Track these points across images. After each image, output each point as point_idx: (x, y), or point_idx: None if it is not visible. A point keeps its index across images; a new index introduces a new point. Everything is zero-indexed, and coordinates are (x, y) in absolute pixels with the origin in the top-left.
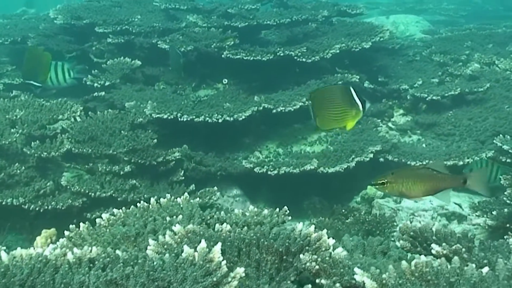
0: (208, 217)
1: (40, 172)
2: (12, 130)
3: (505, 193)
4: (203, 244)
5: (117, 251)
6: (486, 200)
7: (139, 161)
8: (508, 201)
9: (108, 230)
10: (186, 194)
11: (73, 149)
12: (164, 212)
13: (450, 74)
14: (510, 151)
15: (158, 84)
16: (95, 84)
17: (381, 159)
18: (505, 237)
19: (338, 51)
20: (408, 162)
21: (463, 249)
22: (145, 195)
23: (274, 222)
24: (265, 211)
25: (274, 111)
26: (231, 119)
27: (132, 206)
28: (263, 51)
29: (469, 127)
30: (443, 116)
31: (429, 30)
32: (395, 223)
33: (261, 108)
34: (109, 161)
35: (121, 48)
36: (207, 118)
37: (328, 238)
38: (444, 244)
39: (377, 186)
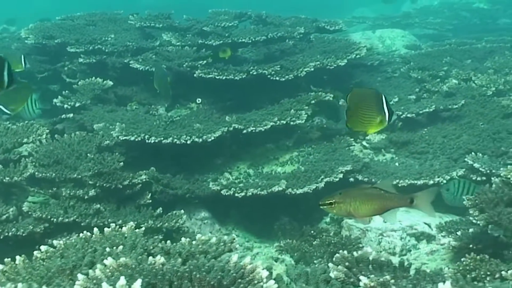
0: (151, 247)
1: (4, 197)
2: None
3: (470, 212)
4: (122, 281)
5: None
6: (453, 220)
7: (105, 184)
8: (474, 221)
9: (44, 263)
10: (131, 223)
11: (36, 173)
12: (106, 243)
13: (428, 91)
14: (480, 169)
15: (130, 105)
16: (65, 106)
17: (351, 179)
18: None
19: (312, 69)
20: (379, 182)
21: (392, 281)
22: (110, 220)
23: (220, 251)
24: (213, 239)
25: (245, 131)
26: (200, 140)
27: (74, 237)
28: (236, 70)
29: (443, 144)
30: (417, 134)
31: (412, 45)
32: (360, 245)
33: (231, 128)
34: (74, 185)
35: (93, 68)
36: (175, 140)
37: (263, 269)
38: (372, 276)
39: (325, 207)
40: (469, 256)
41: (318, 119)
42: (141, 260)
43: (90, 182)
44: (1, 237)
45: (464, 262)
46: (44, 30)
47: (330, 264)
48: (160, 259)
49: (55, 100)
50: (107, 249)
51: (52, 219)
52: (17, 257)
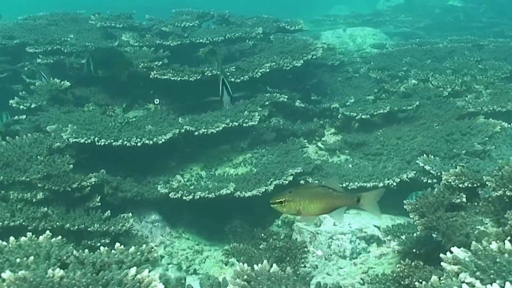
0: (65, 257)
1: None
2: None
3: (411, 216)
4: None
5: None
6: (401, 223)
7: (53, 187)
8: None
9: None
10: (47, 232)
11: None
12: (20, 253)
13: (386, 91)
14: (431, 171)
15: (87, 105)
16: (21, 107)
17: (302, 181)
18: (397, 265)
19: (268, 70)
20: None
21: None
22: (58, 223)
23: (136, 260)
24: (131, 249)
25: (196, 133)
26: (151, 142)
27: None
28: (191, 71)
29: (397, 146)
30: (372, 135)
31: (379, 44)
32: (306, 249)
33: (183, 130)
34: (23, 188)
35: (52, 68)
36: (125, 142)
37: (160, 282)
38: None
39: (275, 205)
40: (404, 262)
41: (276, 119)
42: (41, 273)
43: (39, 184)
44: None
45: (399, 269)
46: (4, 30)
47: (228, 277)
48: (59, 272)
49: (11, 101)
50: (17, 260)
51: None
52: None
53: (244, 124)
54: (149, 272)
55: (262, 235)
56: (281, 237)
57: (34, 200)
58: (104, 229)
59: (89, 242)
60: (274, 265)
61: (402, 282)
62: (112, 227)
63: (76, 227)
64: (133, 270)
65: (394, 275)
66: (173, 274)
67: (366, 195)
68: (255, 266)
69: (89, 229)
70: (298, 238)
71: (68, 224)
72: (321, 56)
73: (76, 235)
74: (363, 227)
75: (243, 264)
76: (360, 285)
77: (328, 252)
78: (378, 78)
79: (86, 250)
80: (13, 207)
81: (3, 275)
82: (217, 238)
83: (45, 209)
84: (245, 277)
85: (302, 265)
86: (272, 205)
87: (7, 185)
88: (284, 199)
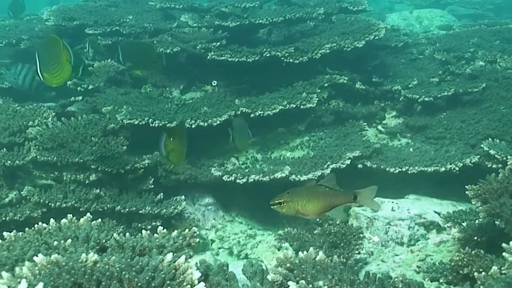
0: (104, 240)
1: (8, 181)
2: None
3: (473, 203)
4: (23, 285)
5: None
6: (461, 209)
7: (106, 169)
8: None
9: None
10: (88, 214)
11: (38, 157)
12: (58, 235)
13: (452, 73)
14: (496, 156)
15: (145, 87)
16: (78, 88)
17: (360, 166)
18: (456, 254)
19: (328, 51)
20: (388, 169)
21: (324, 287)
22: (109, 205)
23: (178, 245)
24: (174, 233)
25: (252, 115)
26: (205, 124)
27: (26, 229)
28: (249, 52)
29: (461, 129)
30: (435, 118)
31: (446, 26)
32: (361, 235)
33: (239, 112)
34: (77, 169)
35: (111, 49)
36: None
37: (197, 269)
38: (302, 281)
39: (275, 206)
40: (463, 250)
41: (335, 102)
42: (76, 257)
43: (93, 166)
44: None
45: (457, 257)
46: (65, 12)
47: (269, 266)
48: (92, 256)
49: (68, 82)
50: (55, 243)
51: (50, 204)
52: None
53: (302, 106)
54: (190, 258)
55: (317, 219)
56: (337, 222)
57: (87, 181)
58: (156, 212)
59: (139, 224)
60: (321, 252)
61: (460, 272)
62: (164, 210)
63: (127, 209)
64: (169, 256)
65: (452, 264)
66: (223, 258)
67: (362, 192)
68: (300, 253)
69: (140, 211)
70: (354, 224)
71: (119, 207)
72: (384, 37)
73: (128, 217)
74: (422, 213)
75: (287, 250)
76: (416, 273)
77: (384, 238)
78: (443, 59)
79: (127, 234)
80: (66, 188)
81: (35, 258)
82: (271, 222)
83: (98, 190)
84: (288, 265)
85: (357, 252)
86: (272, 206)
87: (61, 166)
88: (282, 200)
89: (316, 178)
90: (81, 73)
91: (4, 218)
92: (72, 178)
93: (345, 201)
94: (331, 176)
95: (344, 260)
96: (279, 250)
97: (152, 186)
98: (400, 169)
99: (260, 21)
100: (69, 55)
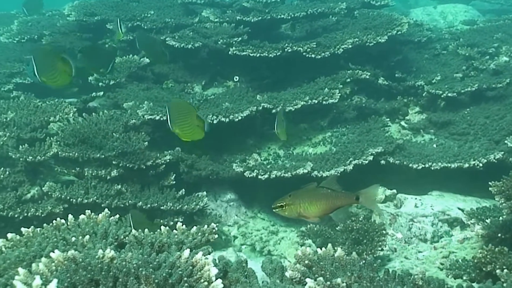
0: (122, 237)
1: (30, 177)
2: (0, 133)
3: (496, 199)
4: (37, 281)
5: None
6: (485, 206)
7: (128, 165)
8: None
9: (4, 253)
10: (106, 210)
11: (60, 152)
12: (77, 231)
13: (475, 68)
14: None
15: (166, 83)
16: (100, 83)
17: (382, 162)
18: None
19: (350, 46)
20: (411, 165)
21: (343, 284)
22: (131, 201)
23: (197, 241)
24: (193, 229)
25: (274, 111)
26: (227, 120)
27: (45, 224)
28: (271, 47)
29: (485, 125)
30: (459, 114)
31: (470, 21)
32: (384, 231)
33: (261, 108)
34: (98, 164)
35: (132, 45)
36: None
37: (214, 266)
38: (320, 278)
39: (276, 209)
40: (487, 247)
41: (357, 97)
42: (93, 253)
43: (114, 162)
44: (21, 217)
45: (481, 254)
46: (86, 7)
47: (287, 263)
48: (109, 253)
49: (90, 78)
50: (73, 239)
51: (71, 199)
52: None
53: (324, 102)
54: (209, 254)
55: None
56: (360, 219)
57: (108, 177)
58: (178, 208)
59: (161, 220)
60: (339, 249)
61: (483, 269)
62: (186, 206)
63: (149, 205)
64: (186, 253)
65: (476, 261)
66: (246, 255)
67: (363, 192)
68: (318, 250)
69: (162, 207)
70: (377, 220)
71: (141, 202)
72: (407, 32)
73: (149, 213)
74: (446, 210)
75: (306, 247)
76: (439, 270)
77: (408, 235)
78: (467, 55)
79: (146, 230)
80: (88, 184)
81: (52, 254)
82: (292, 219)
83: (119, 186)
84: (307, 262)
85: (380, 248)
86: (274, 210)
87: (82, 162)
88: (284, 203)
89: (338, 174)
90: (110, 70)
91: (26, 214)
92: (93, 174)
93: (347, 202)
94: (332, 178)
95: (367, 257)
96: (301, 246)
97: (174, 182)
98: (423, 165)
99: (282, 16)
100: (70, 67)
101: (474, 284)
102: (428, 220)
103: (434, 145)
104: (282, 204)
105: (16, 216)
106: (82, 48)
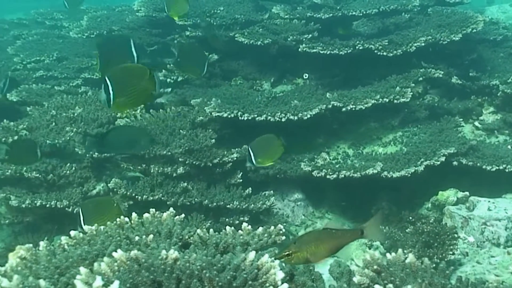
0: (187, 237)
1: (96, 173)
2: (67, 128)
3: None
4: (98, 282)
5: (41, 282)
6: None
7: (194, 162)
8: None
9: (68, 251)
10: (171, 209)
11: None
12: (140, 230)
13: None
14: None
15: (235, 79)
16: (168, 80)
17: (455, 163)
18: None
19: (423, 44)
20: (484, 166)
21: None
22: (197, 199)
23: (263, 242)
24: (259, 230)
25: (344, 109)
26: (295, 118)
27: (108, 223)
28: (342, 44)
29: None
30: None
31: None
32: (456, 235)
33: (330, 106)
34: (164, 162)
35: (201, 41)
36: (269, 117)
37: (280, 269)
38: (390, 285)
39: (282, 259)
40: None
41: (430, 96)
42: (156, 254)
43: (181, 159)
44: None
45: None
46: (156, 3)
47: (355, 267)
48: (173, 254)
49: (159, 73)
50: (136, 238)
51: (137, 196)
52: (41, 243)
53: (396, 101)
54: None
55: (410, 218)
56: (430, 221)
57: (174, 174)
58: (244, 207)
59: (227, 219)
60: (411, 254)
61: None
62: (252, 205)
63: (215, 203)
64: (251, 255)
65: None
66: None
67: (367, 225)
68: (387, 254)
69: (228, 206)
70: (449, 223)
71: (207, 201)
72: (482, 30)
73: (215, 212)
74: None
75: (375, 251)
76: None
77: (480, 239)
78: None
79: (211, 230)
80: (154, 181)
81: (114, 254)
82: (362, 219)
83: (185, 184)
84: (375, 267)
85: (451, 252)
86: (279, 260)
87: (149, 158)
88: (290, 251)
89: (409, 175)
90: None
91: None
92: (159, 171)
93: (353, 239)
94: (333, 222)
95: (438, 261)
96: (369, 248)
97: (241, 180)
98: (497, 167)
99: (354, 13)
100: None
101: None
102: (502, 224)
103: (509, 147)
104: (288, 253)
105: None
106: (179, 49)
